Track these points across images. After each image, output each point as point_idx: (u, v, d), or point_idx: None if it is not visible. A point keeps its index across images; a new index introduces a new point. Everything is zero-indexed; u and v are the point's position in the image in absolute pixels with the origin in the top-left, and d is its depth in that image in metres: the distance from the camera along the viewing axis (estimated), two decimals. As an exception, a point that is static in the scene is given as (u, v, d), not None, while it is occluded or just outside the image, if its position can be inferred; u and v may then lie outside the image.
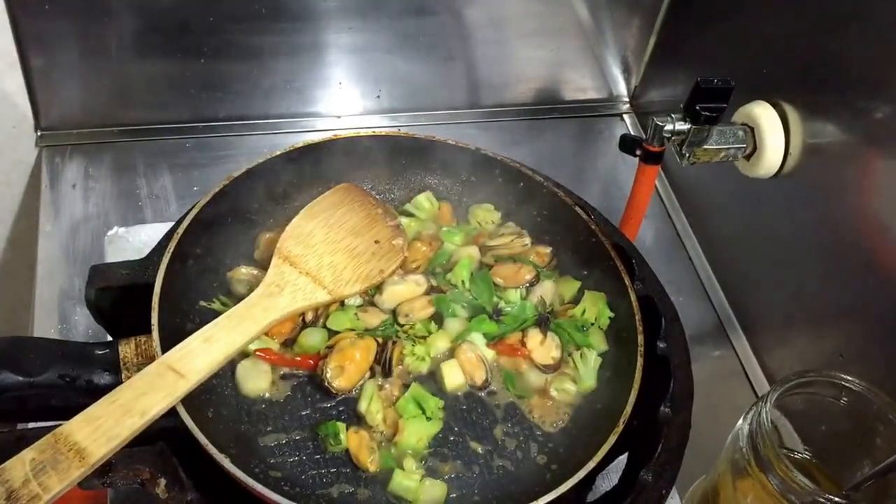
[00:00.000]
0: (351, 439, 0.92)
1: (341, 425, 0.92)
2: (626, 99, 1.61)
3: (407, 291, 1.03)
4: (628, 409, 0.89)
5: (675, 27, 1.45)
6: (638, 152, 1.14)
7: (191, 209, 1.00)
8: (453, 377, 0.98)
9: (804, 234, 1.12)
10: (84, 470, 0.73)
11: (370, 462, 0.90)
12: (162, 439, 0.82)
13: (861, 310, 1.02)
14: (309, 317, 1.00)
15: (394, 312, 1.02)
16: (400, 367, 0.99)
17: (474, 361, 0.99)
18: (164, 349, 0.85)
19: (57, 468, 0.72)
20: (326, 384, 0.94)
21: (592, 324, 1.04)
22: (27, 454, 0.73)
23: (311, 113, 1.48)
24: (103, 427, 0.76)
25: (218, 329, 0.88)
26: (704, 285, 1.33)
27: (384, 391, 0.96)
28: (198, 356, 0.84)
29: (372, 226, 1.07)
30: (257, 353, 0.96)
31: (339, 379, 0.95)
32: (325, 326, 1.00)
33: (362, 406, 0.94)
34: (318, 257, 1.01)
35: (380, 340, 0.99)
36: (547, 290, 1.06)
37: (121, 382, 0.85)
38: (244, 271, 1.04)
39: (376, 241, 1.05)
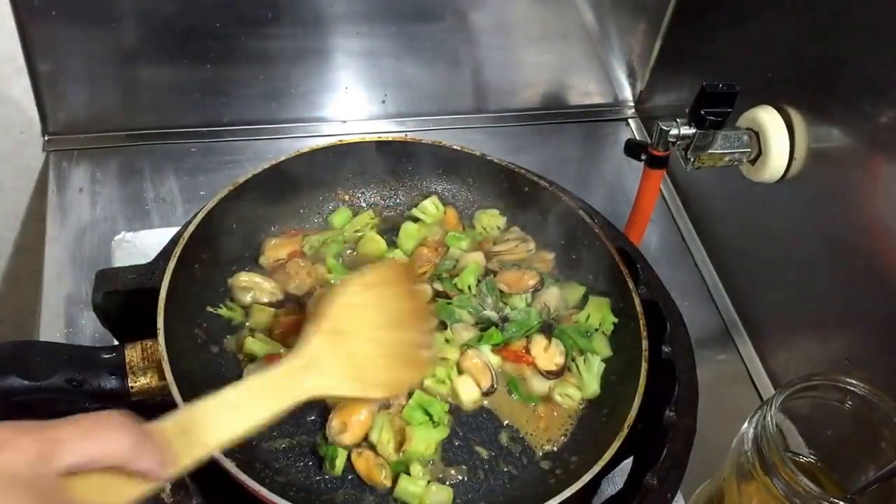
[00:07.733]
0: (357, 463, 0.90)
1: (342, 451, 0.90)
2: (632, 103, 1.61)
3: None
4: (633, 413, 0.89)
5: (680, 32, 1.45)
6: (643, 157, 1.14)
7: (197, 214, 1.00)
8: (469, 392, 0.97)
9: (809, 239, 1.11)
10: None
11: (384, 478, 0.89)
12: (168, 443, 0.81)
13: (867, 314, 1.02)
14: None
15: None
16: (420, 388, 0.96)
17: (480, 367, 0.99)
18: (170, 353, 0.85)
19: None
20: (331, 441, 0.91)
21: (597, 329, 1.04)
22: None
23: (316, 118, 1.48)
24: None
25: (240, 395, 0.73)
26: (709, 289, 1.33)
27: (392, 406, 0.95)
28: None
29: (407, 325, 0.91)
30: (266, 358, 0.96)
31: (344, 435, 0.91)
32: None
33: (373, 436, 0.92)
34: (358, 343, 0.84)
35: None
36: (551, 295, 1.06)
37: (127, 386, 0.85)
38: (244, 278, 1.03)
39: (408, 345, 0.90)
